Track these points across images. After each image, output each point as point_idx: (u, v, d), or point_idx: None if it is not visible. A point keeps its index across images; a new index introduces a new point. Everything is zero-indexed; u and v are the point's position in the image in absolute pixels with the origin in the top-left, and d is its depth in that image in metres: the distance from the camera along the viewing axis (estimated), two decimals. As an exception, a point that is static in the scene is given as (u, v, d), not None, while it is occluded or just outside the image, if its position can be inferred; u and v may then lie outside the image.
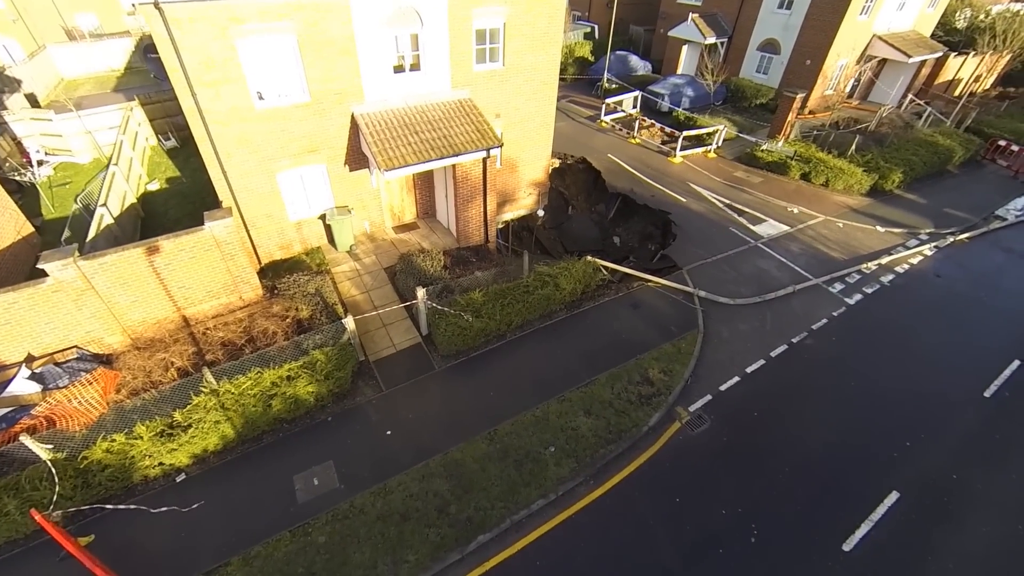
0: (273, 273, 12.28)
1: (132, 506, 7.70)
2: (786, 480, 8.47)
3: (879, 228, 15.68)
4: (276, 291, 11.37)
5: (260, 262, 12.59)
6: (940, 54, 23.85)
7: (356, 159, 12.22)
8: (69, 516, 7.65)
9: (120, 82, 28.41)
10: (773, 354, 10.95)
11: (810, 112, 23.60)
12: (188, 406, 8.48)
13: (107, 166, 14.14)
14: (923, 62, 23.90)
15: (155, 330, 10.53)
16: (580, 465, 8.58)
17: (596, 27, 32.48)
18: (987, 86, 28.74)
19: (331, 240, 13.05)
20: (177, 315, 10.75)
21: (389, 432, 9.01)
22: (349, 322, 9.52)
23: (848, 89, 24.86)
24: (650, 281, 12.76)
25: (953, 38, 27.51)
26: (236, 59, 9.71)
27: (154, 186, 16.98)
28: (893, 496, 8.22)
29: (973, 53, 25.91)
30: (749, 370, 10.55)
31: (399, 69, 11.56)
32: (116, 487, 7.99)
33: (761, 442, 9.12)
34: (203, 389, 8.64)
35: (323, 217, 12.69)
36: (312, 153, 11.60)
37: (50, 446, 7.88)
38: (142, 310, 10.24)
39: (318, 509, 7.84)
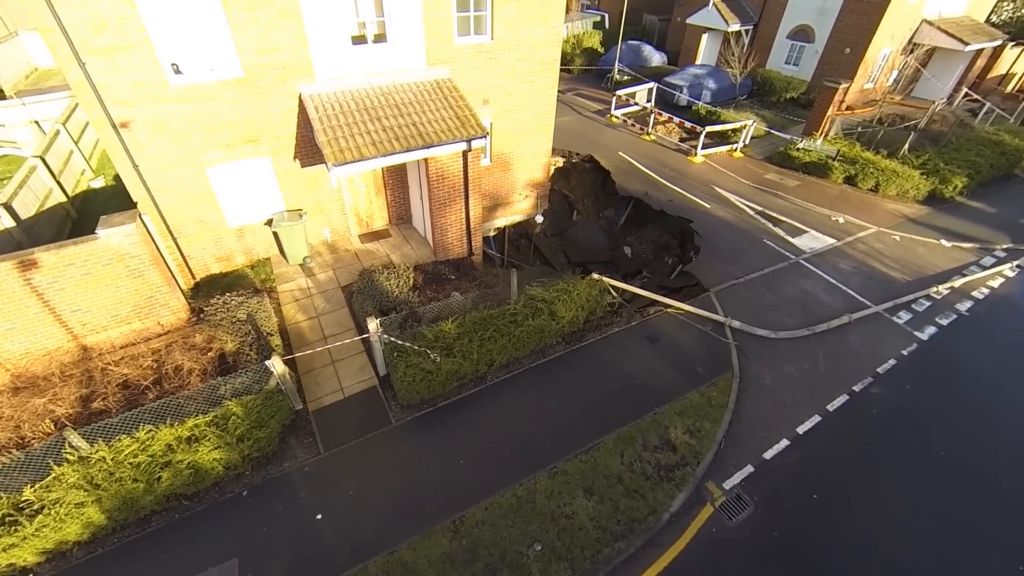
0: (209, 291, 10.06)
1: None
2: (868, 606, 6.02)
3: (944, 242, 13.09)
4: (202, 315, 9.14)
5: (194, 277, 10.37)
6: (999, 42, 21.10)
7: (309, 152, 9.97)
8: None
9: (96, 72, 26.56)
10: (831, 407, 8.48)
11: (848, 108, 20.94)
12: (45, 480, 6.25)
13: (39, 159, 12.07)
14: (979, 52, 21.16)
15: (45, 364, 8.34)
16: (576, 573, 6.20)
17: (606, 16, 30.06)
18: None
19: (282, 250, 10.79)
20: (74, 345, 8.56)
21: (320, 516, 6.70)
22: (276, 363, 7.23)
23: (888, 83, 22.17)
24: (671, 306, 10.33)
25: (1001, 30, 24.70)
26: (137, 18, 7.49)
27: (99, 183, 14.88)
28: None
29: (1032, 43, 23.08)
30: (801, 430, 8.10)
31: (360, 40, 9.28)
32: (-67, 597, 5.79)
33: (827, 541, 6.67)
34: (67, 456, 6.39)
35: (270, 223, 10.44)
36: (251, 144, 9.36)
37: None
38: (23, 340, 8.07)
39: (203, 640, 5.56)
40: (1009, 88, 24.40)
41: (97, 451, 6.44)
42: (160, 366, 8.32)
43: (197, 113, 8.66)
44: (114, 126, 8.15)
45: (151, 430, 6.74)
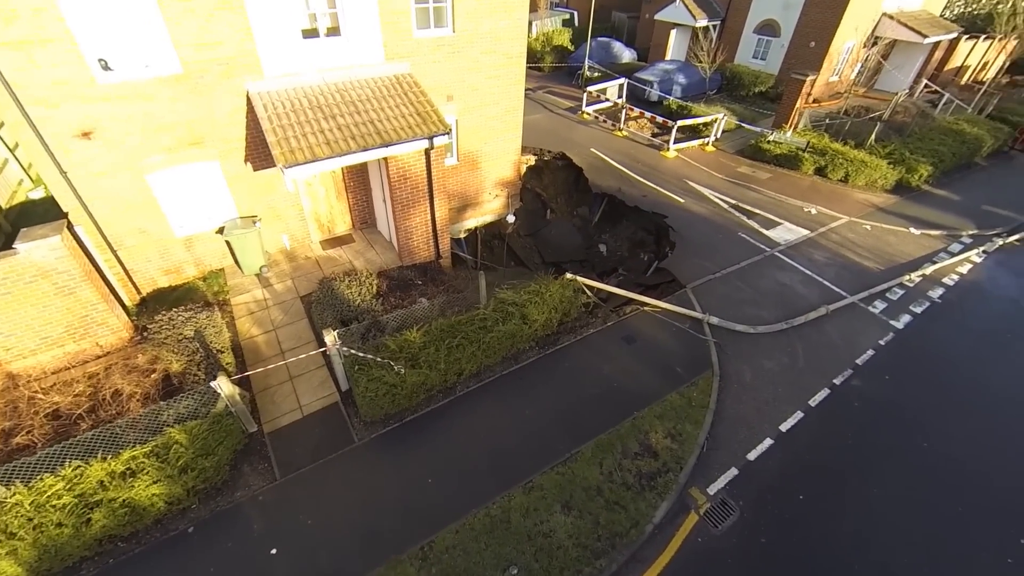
0: (156, 307, 9.30)
1: None
2: (860, 613, 5.76)
3: (913, 230, 13.20)
4: (146, 334, 8.40)
5: (139, 292, 9.59)
6: (955, 35, 21.69)
7: (261, 154, 9.31)
8: None
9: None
10: (813, 402, 8.28)
11: (814, 101, 21.18)
12: (-49, 531, 5.50)
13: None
14: (936, 44, 21.70)
15: (-37, 395, 7.50)
16: (556, 596, 5.78)
17: (575, 14, 29.93)
18: (993, 73, 26.76)
19: (236, 260, 10.09)
20: (-3, 372, 7.73)
21: (274, 551, 6.11)
22: (223, 384, 6.60)
23: (852, 75, 22.57)
24: (647, 304, 10.03)
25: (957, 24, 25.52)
26: (54, 8, 6.77)
27: (38, 193, 13.81)
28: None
29: (984, 37, 23.84)
30: (784, 427, 7.86)
31: (311, 33, 8.70)
32: None
33: (815, 545, 6.41)
34: (-22, 502, 5.66)
35: (222, 231, 9.74)
36: (195, 146, 8.67)
37: None
38: (-65, 369, 7.23)
39: None
40: (964, 79, 25.16)
41: (13, 495, 5.72)
42: (96, 392, 7.58)
43: (132, 114, 7.94)
44: (35, 129, 7.38)
45: (80, 466, 6.05)
